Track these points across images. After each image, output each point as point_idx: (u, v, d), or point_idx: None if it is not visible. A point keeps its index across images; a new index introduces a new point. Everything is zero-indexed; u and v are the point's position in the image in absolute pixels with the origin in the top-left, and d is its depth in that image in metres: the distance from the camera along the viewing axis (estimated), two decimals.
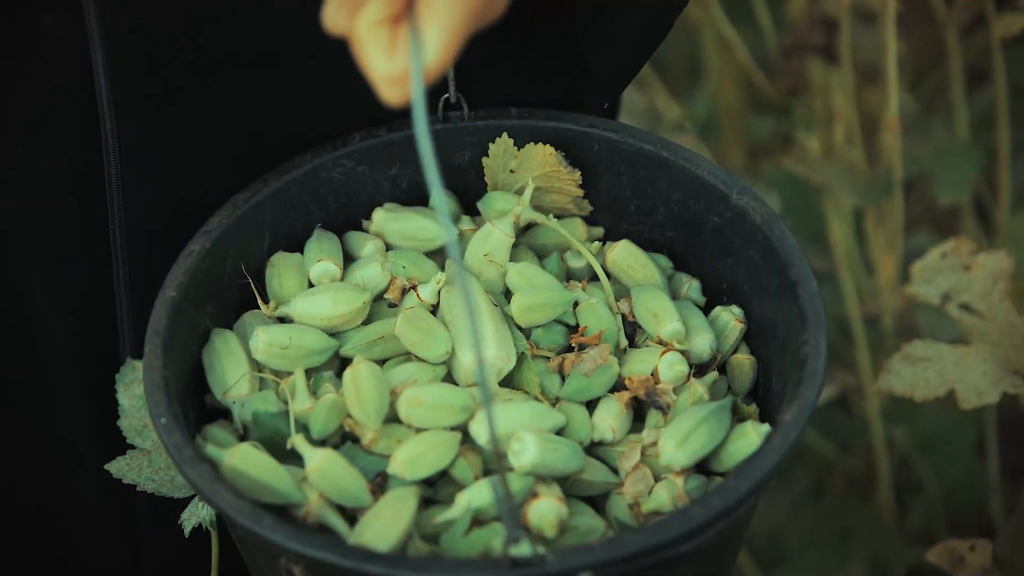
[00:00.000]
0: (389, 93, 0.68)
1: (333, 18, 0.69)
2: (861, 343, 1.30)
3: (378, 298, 0.90)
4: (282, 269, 0.90)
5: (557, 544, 0.79)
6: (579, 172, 0.92)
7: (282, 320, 0.88)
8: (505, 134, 0.91)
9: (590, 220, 0.94)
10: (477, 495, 0.79)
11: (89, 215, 0.90)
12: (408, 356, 0.86)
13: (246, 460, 0.79)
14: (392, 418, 0.83)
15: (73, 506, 1.01)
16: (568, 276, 0.93)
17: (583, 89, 0.93)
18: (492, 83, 0.91)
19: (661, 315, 0.87)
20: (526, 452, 0.80)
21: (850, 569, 1.39)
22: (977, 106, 1.40)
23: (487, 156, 0.92)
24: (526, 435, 0.80)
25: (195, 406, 0.85)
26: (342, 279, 0.90)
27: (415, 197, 0.94)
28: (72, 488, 1.00)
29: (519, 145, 0.92)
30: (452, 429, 0.82)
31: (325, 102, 0.90)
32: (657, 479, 0.84)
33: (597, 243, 0.92)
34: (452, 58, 0.68)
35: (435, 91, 0.90)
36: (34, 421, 0.98)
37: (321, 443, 0.82)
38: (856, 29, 1.22)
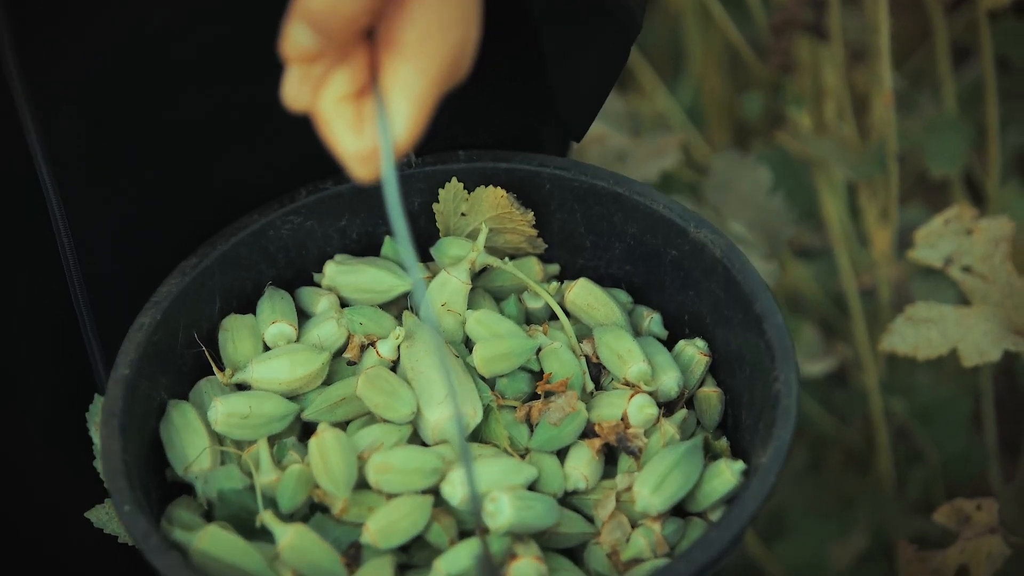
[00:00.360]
0: (359, 170, 0.66)
1: (294, 96, 0.66)
2: (858, 315, 1.31)
3: (337, 355, 0.88)
4: (235, 333, 0.88)
5: None
6: (532, 212, 0.90)
7: (239, 387, 0.86)
8: (454, 178, 0.89)
9: (546, 257, 0.93)
10: (454, 562, 0.77)
11: (52, 273, 0.88)
12: (372, 416, 0.85)
13: (215, 543, 0.77)
14: (361, 483, 0.81)
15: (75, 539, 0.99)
16: (527, 317, 0.91)
17: (543, 131, 0.91)
18: (447, 134, 0.89)
19: (626, 356, 0.86)
20: (501, 513, 0.78)
21: (851, 539, 1.40)
22: (962, 82, 1.41)
23: (437, 201, 0.90)
24: (500, 495, 0.79)
25: (156, 482, 0.83)
26: (298, 339, 0.88)
27: (366, 246, 0.92)
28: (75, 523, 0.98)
29: (469, 188, 0.90)
30: (423, 492, 0.80)
31: (270, 158, 0.88)
32: (634, 525, 0.82)
33: (555, 283, 0.91)
34: (422, 129, 0.66)
35: None
36: (25, 459, 0.96)
37: (290, 516, 0.80)
38: (841, 11, 1.22)
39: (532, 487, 0.82)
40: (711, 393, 0.88)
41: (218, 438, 0.84)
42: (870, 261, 1.33)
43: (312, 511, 0.81)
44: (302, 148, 0.85)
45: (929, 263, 1.00)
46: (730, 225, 1.23)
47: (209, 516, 0.82)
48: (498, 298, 0.91)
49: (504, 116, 0.90)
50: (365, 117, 0.65)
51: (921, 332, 0.98)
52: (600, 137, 1.37)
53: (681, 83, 1.64)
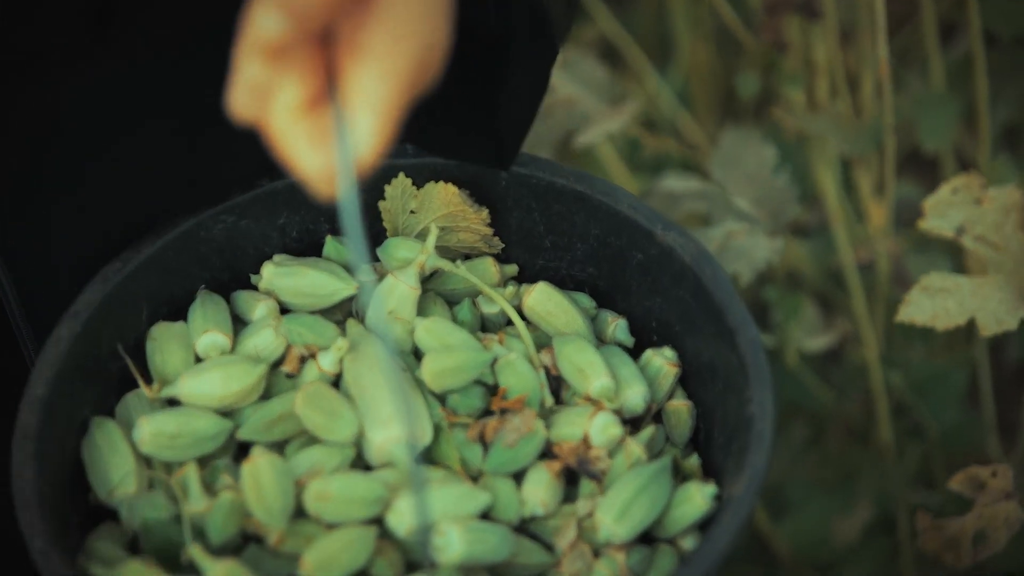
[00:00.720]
0: (324, 190, 0.59)
1: (241, 106, 0.58)
2: (857, 290, 1.27)
3: (275, 366, 0.81)
4: (164, 343, 0.81)
5: None
6: (486, 210, 0.83)
7: (169, 402, 0.79)
8: (402, 174, 0.83)
9: (503, 256, 0.86)
10: None
11: None
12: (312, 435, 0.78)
13: None
14: (300, 511, 0.74)
15: None
16: (483, 322, 0.84)
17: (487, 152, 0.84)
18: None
19: (588, 370, 0.79)
20: (451, 547, 0.72)
21: (855, 512, 1.38)
22: (949, 58, 1.37)
23: (384, 199, 0.83)
24: (449, 528, 0.72)
25: (77, 507, 0.76)
26: (232, 348, 0.81)
27: (308, 245, 0.86)
28: None
29: (418, 184, 0.83)
30: (367, 521, 0.74)
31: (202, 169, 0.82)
32: (597, 553, 0.76)
33: (512, 287, 0.84)
34: (389, 142, 0.59)
35: None
36: None
37: (221, 548, 0.74)
38: None
39: (486, 515, 0.75)
40: (681, 407, 0.81)
41: (145, 459, 0.77)
42: (865, 236, 1.29)
43: (246, 541, 0.75)
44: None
45: (941, 233, 0.98)
46: (735, 201, 1.18)
47: (134, 546, 0.75)
48: (451, 302, 0.85)
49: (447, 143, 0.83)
50: (325, 129, 0.58)
51: (938, 302, 0.96)
52: (570, 100, 1.30)
53: (671, 65, 1.59)
